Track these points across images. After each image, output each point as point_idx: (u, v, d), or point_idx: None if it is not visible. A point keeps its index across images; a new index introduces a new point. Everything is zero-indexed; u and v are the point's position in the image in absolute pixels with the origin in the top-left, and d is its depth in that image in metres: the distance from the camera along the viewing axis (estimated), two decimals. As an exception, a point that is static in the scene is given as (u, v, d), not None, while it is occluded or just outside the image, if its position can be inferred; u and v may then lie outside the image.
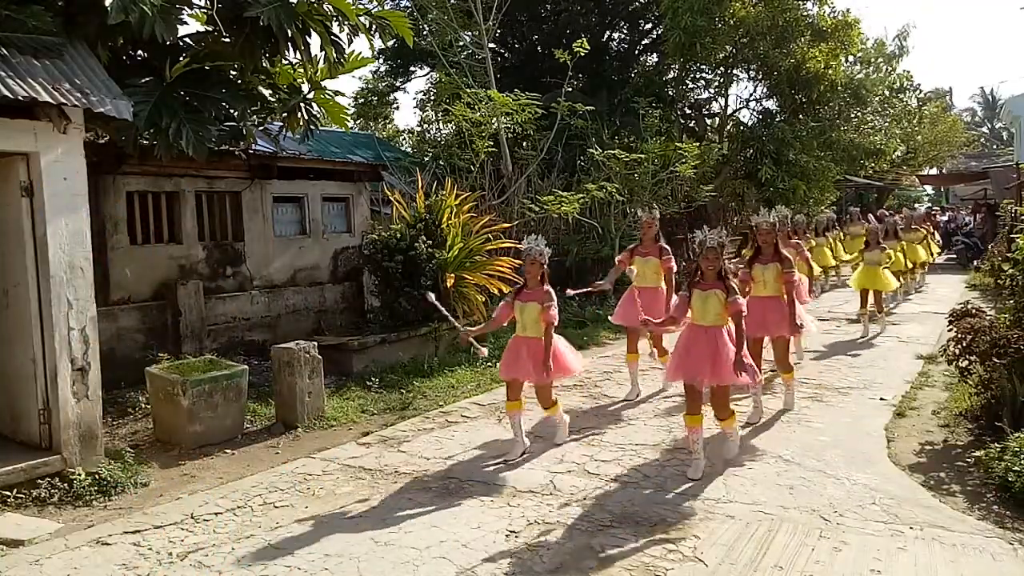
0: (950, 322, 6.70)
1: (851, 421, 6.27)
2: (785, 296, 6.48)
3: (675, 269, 7.01)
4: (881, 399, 6.90)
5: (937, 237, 19.62)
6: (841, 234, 16.59)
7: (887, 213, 19.61)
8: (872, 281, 10.34)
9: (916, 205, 30.32)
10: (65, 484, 4.85)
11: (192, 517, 4.52)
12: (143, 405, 6.65)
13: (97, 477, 4.95)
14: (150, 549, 4.10)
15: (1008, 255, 8.12)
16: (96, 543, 4.17)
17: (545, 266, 5.56)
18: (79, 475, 4.90)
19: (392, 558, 3.92)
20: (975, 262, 17.05)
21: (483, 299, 9.16)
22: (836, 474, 4.99)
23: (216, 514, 4.57)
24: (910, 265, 13.73)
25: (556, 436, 5.84)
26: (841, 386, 7.45)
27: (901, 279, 13.71)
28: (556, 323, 5.50)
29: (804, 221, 13.37)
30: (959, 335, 6.33)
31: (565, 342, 5.82)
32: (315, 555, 3.96)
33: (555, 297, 5.49)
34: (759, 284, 6.56)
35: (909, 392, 7.10)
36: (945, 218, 25.73)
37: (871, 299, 10.43)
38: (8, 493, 4.66)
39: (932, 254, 16.12)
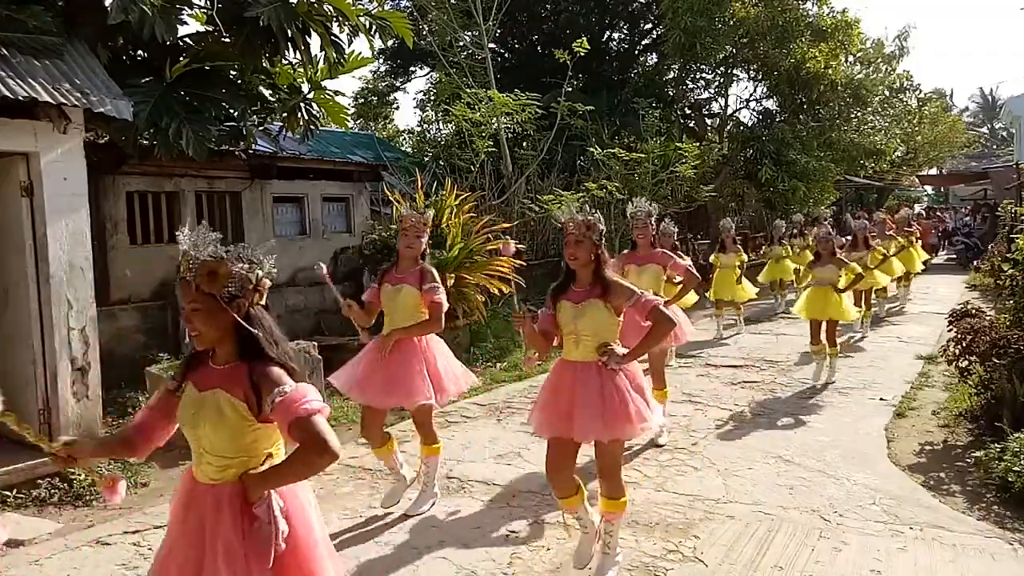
0: (950, 322, 6.70)
1: (851, 421, 6.27)
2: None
3: (444, 304, 4.33)
4: (881, 399, 6.91)
5: (934, 240, 19.22)
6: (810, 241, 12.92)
7: (864, 214, 17.07)
8: (822, 307, 7.43)
9: (915, 206, 30.26)
10: (65, 484, 4.84)
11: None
12: (143, 405, 6.64)
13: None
14: (150, 549, 4.09)
15: (1008, 255, 8.12)
16: (96, 543, 4.17)
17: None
18: (79, 475, 4.89)
19: (392, 558, 3.92)
20: (975, 262, 17.03)
21: (483, 299, 9.16)
22: (836, 474, 4.99)
23: (216, 514, 4.57)
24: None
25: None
26: (841, 386, 7.45)
27: (876, 296, 11.19)
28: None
29: (731, 227, 10.97)
30: (959, 335, 6.33)
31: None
32: (315, 555, 3.96)
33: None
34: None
35: (909, 392, 7.10)
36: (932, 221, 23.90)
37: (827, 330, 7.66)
38: (8, 493, 4.66)
39: (915, 265, 13.16)
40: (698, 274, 5.69)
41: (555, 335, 3.63)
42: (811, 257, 11.08)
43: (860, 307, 9.68)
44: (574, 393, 3.47)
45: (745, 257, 10.99)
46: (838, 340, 7.78)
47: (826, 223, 11.40)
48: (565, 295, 3.57)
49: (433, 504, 4.56)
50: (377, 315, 4.59)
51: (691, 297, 8.66)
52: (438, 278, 4.44)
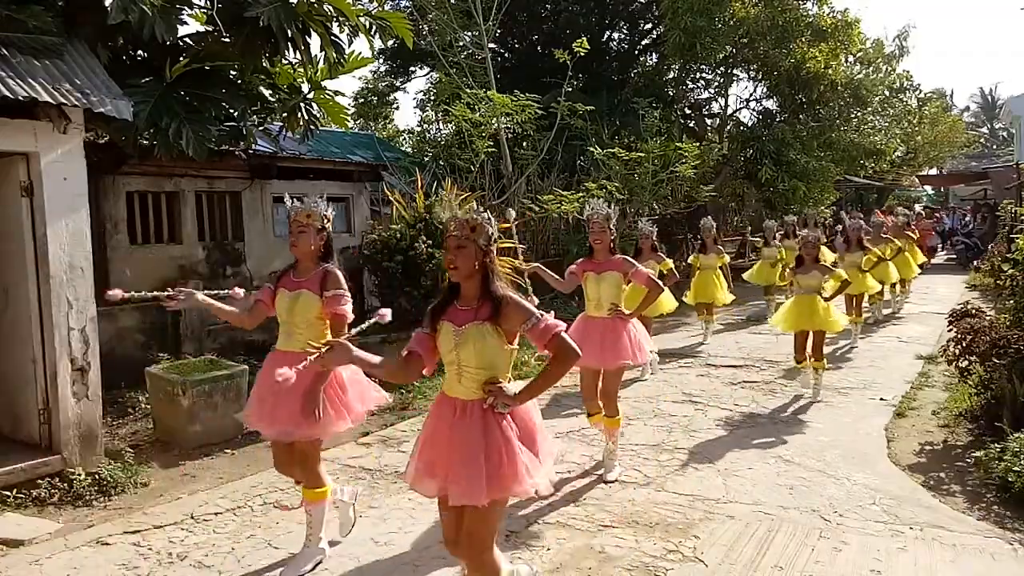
0: (950, 322, 6.71)
1: (851, 421, 6.28)
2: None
3: (348, 316, 3.72)
4: (881, 399, 6.91)
5: (936, 242, 18.94)
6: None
7: (859, 215, 16.33)
8: (808, 317, 6.83)
9: (915, 205, 30.24)
10: (65, 484, 4.84)
11: (192, 517, 4.52)
12: (143, 405, 6.65)
13: (97, 477, 4.95)
14: (150, 549, 4.10)
15: (1008, 255, 8.12)
16: (96, 543, 4.17)
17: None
18: (79, 475, 4.90)
19: (392, 558, 3.92)
20: (975, 262, 17.03)
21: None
22: (836, 474, 4.99)
23: (216, 514, 4.57)
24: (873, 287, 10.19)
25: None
26: (841, 386, 7.45)
27: (870, 301, 10.74)
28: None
29: (712, 227, 10.15)
30: (959, 335, 6.34)
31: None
32: (315, 555, 3.96)
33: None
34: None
35: (909, 392, 7.10)
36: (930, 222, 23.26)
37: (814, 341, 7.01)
38: (8, 493, 4.66)
39: (911, 270, 12.33)
40: (662, 284, 5.32)
41: (425, 362, 2.95)
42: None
43: (851, 314, 9.36)
44: (452, 441, 2.83)
45: (727, 259, 10.28)
46: (827, 348, 7.36)
47: (818, 226, 10.81)
48: (446, 314, 2.90)
49: (319, 563, 3.79)
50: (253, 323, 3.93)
51: (670, 303, 8.25)
52: (344, 283, 3.75)
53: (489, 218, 2.86)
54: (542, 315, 2.82)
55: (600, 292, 5.00)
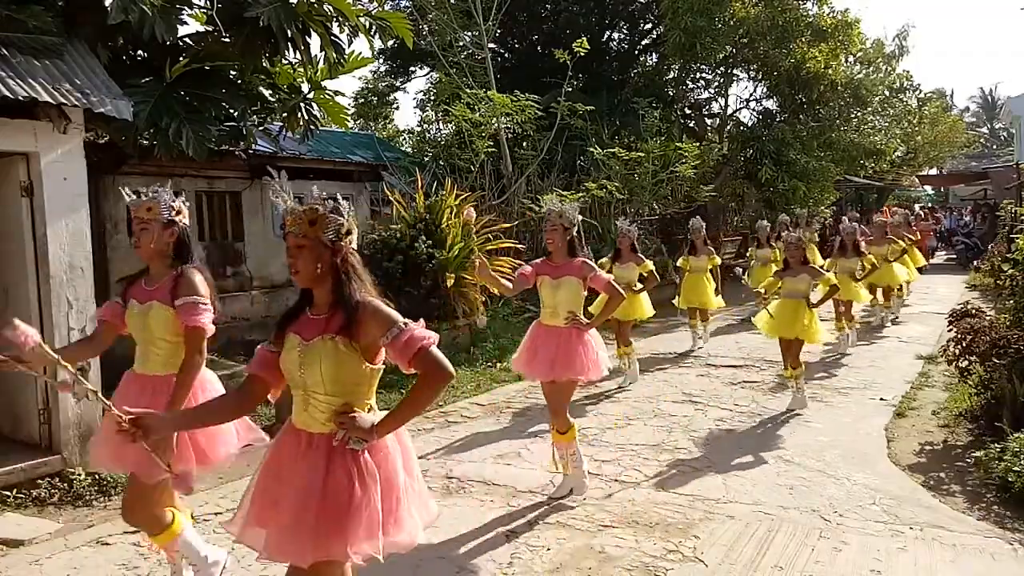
0: (950, 322, 6.71)
1: (851, 421, 6.28)
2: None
3: (207, 329, 3.11)
4: (881, 399, 6.91)
5: (933, 244, 18.76)
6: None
7: (857, 215, 16.16)
8: (789, 324, 6.42)
9: (915, 205, 30.25)
10: (65, 484, 4.84)
11: (192, 517, 4.51)
12: (143, 405, 6.64)
13: (97, 477, 4.95)
14: (150, 549, 4.09)
15: (1008, 255, 8.12)
16: (96, 543, 4.17)
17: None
18: (79, 475, 4.90)
19: (392, 558, 3.91)
20: (975, 262, 17.04)
21: (483, 299, 9.16)
22: (836, 474, 4.99)
23: (216, 514, 4.57)
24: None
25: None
26: (841, 386, 7.46)
27: (872, 304, 10.61)
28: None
29: (701, 227, 9.51)
30: (959, 335, 6.34)
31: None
32: (315, 555, 3.95)
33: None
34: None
35: (909, 392, 7.10)
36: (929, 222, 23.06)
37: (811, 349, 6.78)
38: (8, 493, 4.66)
39: (912, 271, 11.92)
40: (623, 292, 4.79)
41: (271, 386, 2.46)
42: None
43: (840, 320, 9.11)
44: (290, 482, 2.31)
45: (718, 260, 9.57)
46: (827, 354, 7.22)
47: (809, 224, 10.28)
48: (295, 325, 2.40)
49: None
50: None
51: (646, 309, 7.81)
52: (201, 288, 3.06)
53: (338, 207, 2.32)
54: (407, 325, 2.29)
55: (556, 299, 4.49)
